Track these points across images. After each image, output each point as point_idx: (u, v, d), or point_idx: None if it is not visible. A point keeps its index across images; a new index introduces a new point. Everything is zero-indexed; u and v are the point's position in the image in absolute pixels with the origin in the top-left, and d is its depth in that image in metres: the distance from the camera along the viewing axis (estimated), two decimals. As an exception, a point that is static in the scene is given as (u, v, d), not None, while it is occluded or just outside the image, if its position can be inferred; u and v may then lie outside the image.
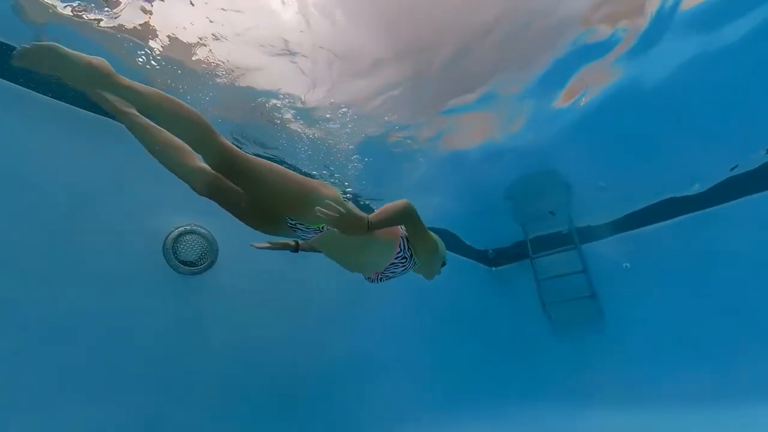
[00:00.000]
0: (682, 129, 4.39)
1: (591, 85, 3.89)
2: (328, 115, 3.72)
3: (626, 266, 5.56)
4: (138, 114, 1.61)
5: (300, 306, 3.71)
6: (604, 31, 3.39)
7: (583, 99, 4.03)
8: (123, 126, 1.53)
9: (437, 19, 3.10)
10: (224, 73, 3.15)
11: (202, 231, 3.12)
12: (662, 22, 3.33)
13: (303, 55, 3.16)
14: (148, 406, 2.62)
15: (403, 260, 1.97)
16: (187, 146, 1.70)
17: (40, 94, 2.70)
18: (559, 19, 3.23)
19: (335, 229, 1.62)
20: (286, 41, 3.04)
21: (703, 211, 5.13)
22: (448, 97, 3.83)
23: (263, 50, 3.07)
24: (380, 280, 2.13)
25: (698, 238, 5.04)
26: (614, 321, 5.44)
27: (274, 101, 3.51)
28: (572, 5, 3.13)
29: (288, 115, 3.67)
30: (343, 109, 3.67)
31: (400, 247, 1.94)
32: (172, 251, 2.95)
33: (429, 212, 4.19)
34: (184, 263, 3.00)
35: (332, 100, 3.60)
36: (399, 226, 1.96)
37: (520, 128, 4.29)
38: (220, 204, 1.80)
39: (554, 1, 3.08)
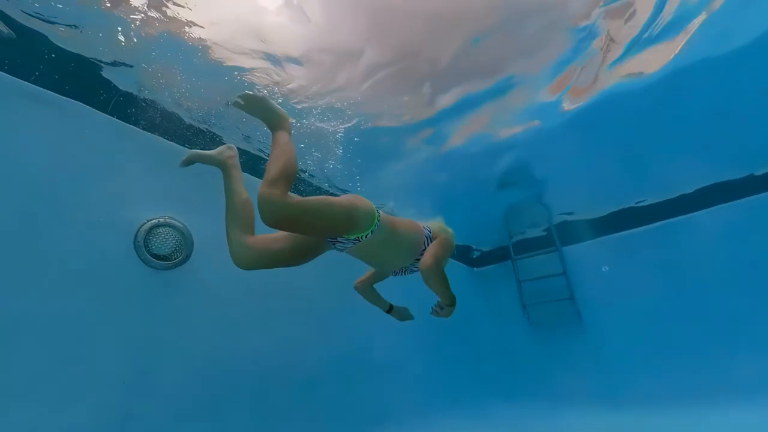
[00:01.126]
0: (664, 137, 4.47)
1: (577, 90, 3.92)
2: (310, 107, 3.64)
3: (605, 269, 5.63)
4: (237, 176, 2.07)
5: (282, 305, 3.61)
6: (596, 35, 3.41)
7: (568, 105, 4.05)
8: (91, 108, 1.49)
9: (426, 15, 3.05)
10: (202, 56, 3.04)
11: (177, 224, 3.00)
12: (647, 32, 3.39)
13: (285, 46, 3.08)
14: (116, 407, 2.50)
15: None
16: (249, 220, 1.96)
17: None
18: (551, 21, 3.23)
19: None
20: (270, 32, 2.95)
21: (679, 217, 5.26)
22: (436, 93, 3.79)
23: (246, 42, 2.98)
24: (404, 273, 2.41)
25: (674, 243, 5.15)
26: (592, 323, 5.50)
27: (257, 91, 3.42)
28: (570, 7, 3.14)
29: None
30: (325, 100, 3.59)
31: (424, 245, 2.19)
32: (143, 245, 2.83)
33: (412, 210, 4.15)
34: (157, 257, 2.88)
35: (316, 92, 3.52)
36: (423, 227, 2.26)
37: (508, 127, 4.29)
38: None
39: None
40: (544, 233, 6.07)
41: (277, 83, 3.36)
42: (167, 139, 3.31)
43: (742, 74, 3.79)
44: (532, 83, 3.81)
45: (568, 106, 4.06)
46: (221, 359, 3.07)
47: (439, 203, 5.48)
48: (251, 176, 3.84)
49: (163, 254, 2.91)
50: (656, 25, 3.31)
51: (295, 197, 1.65)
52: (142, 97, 3.14)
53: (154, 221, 2.90)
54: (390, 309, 2.89)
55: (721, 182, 5.01)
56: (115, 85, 3.02)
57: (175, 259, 2.96)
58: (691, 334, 4.68)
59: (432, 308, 2.31)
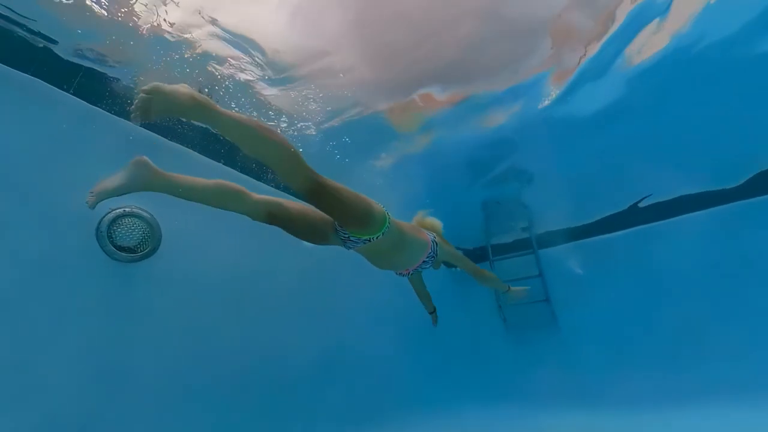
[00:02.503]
0: (643, 145, 4.56)
1: (558, 94, 3.93)
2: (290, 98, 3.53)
3: (580, 273, 5.72)
4: (178, 178, 1.84)
5: (253, 300, 3.46)
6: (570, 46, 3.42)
7: (550, 104, 4.06)
8: (51, 86, 1.36)
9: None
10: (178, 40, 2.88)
11: (143, 214, 2.83)
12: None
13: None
14: (76, 406, 2.33)
15: (432, 258, 2.43)
16: (236, 186, 1.91)
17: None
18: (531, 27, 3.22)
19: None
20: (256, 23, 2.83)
21: (652, 224, 5.39)
22: (420, 88, 3.72)
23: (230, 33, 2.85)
24: (410, 274, 2.59)
25: (647, 249, 5.27)
26: (566, 325, 5.58)
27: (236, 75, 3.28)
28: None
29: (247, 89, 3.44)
30: (306, 92, 3.48)
31: (430, 248, 2.40)
32: (107, 235, 2.65)
33: (392, 206, 4.07)
34: (121, 249, 2.71)
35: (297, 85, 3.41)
36: (428, 233, 2.46)
37: (494, 126, 4.27)
38: (280, 227, 1.99)
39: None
40: (524, 234, 6.12)
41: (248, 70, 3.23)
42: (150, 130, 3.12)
43: (714, 90, 3.89)
44: (520, 89, 3.81)
45: (549, 104, 4.06)
46: (190, 358, 2.92)
47: (417, 202, 5.44)
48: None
49: (128, 246, 2.74)
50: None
51: (326, 179, 1.76)
52: (108, 78, 2.95)
53: (118, 211, 2.73)
54: (434, 311, 3.43)
55: (694, 193, 5.16)
56: (78, 63, 2.82)
57: (141, 251, 2.80)
58: (661, 337, 4.81)
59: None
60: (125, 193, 1.81)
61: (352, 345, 4.21)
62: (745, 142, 4.50)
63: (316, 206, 1.85)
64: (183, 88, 1.50)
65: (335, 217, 1.96)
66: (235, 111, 1.62)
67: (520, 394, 5.21)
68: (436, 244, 2.45)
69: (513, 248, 6.12)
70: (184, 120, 1.40)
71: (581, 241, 5.85)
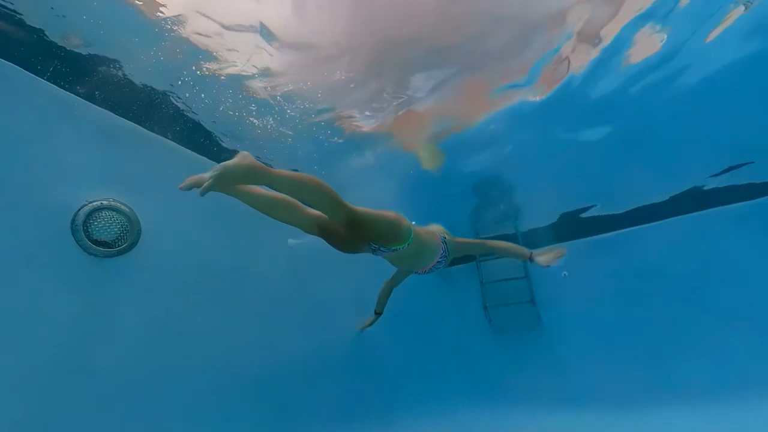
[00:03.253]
0: (628, 148, 4.60)
1: (543, 93, 3.92)
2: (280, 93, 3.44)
3: (564, 275, 5.76)
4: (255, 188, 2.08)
5: (236, 298, 3.38)
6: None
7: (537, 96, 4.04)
8: (26, 72, 1.28)
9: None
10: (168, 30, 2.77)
11: (122, 207, 2.73)
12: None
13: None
14: (47, 406, 2.22)
15: (445, 257, 2.77)
16: (292, 200, 2.17)
17: None
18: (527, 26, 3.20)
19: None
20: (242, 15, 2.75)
21: (635, 227, 5.46)
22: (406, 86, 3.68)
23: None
24: (426, 273, 2.86)
25: (630, 252, 5.34)
26: (551, 326, 5.61)
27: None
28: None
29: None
30: (283, 84, 3.40)
31: (442, 250, 2.74)
32: (83, 229, 2.54)
33: (373, 204, 4.03)
34: (98, 243, 2.60)
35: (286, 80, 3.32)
36: (439, 234, 2.78)
37: (479, 125, 4.26)
38: (325, 239, 2.28)
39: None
40: (511, 233, 6.13)
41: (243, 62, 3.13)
42: (117, 113, 3.00)
43: (696, 95, 3.95)
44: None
45: (537, 104, 4.05)
46: (166, 358, 2.82)
47: (404, 199, 5.40)
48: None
49: (105, 240, 2.63)
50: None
51: (358, 208, 2.13)
52: (89, 64, 2.83)
53: (96, 203, 2.62)
54: (377, 315, 3.67)
55: (676, 194, 5.24)
56: (54, 45, 2.68)
57: (118, 246, 2.69)
58: (643, 339, 4.88)
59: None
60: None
61: (339, 345, 4.15)
62: (723, 151, 4.62)
63: (354, 232, 2.20)
64: (245, 161, 1.76)
65: (369, 238, 2.34)
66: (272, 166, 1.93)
67: (506, 393, 5.22)
68: (446, 243, 2.78)
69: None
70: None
71: (566, 242, 5.89)
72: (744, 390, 3.80)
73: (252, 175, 1.77)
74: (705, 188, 5.10)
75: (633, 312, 5.06)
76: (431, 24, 3.09)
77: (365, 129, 4.07)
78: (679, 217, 5.21)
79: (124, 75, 2.98)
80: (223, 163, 1.71)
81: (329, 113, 3.78)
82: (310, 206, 2.20)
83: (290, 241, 3.73)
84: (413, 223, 2.57)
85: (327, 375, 3.91)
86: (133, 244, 2.77)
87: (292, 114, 3.68)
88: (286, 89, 3.43)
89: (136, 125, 3.10)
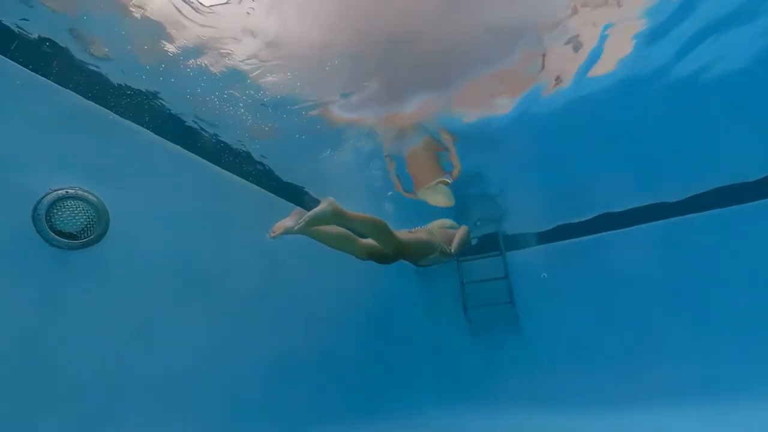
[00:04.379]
0: (609, 152, 4.66)
1: (523, 96, 3.92)
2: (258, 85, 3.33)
3: (544, 276, 5.81)
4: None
5: (210, 294, 3.25)
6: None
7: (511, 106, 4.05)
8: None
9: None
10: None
11: (89, 197, 2.59)
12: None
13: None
14: (5, 406, 2.08)
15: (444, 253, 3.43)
16: (350, 234, 2.84)
17: None
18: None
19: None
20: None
21: (613, 232, 5.55)
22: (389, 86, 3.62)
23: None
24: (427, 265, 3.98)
25: (607, 256, 5.43)
26: (529, 327, 5.66)
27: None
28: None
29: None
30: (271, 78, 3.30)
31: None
32: (45, 219, 2.40)
33: (353, 203, 3.99)
34: (62, 235, 2.45)
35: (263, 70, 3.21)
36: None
37: (463, 124, 4.23)
38: (373, 261, 3.00)
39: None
40: (492, 231, 6.15)
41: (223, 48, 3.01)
42: (88, 98, 2.84)
43: (671, 102, 4.03)
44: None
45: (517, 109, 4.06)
46: (133, 356, 2.70)
47: (383, 196, 5.34)
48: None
49: (69, 232, 2.49)
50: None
51: (402, 236, 2.95)
52: (58, 43, 2.66)
53: (60, 192, 2.48)
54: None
55: (648, 204, 5.37)
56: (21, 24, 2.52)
57: (84, 238, 2.55)
58: (618, 341, 4.99)
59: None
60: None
61: (314, 344, 4.06)
62: (692, 162, 4.75)
63: (399, 255, 2.96)
64: (331, 206, 2.34)
65: (410, 260, 3.28)
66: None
67: (482, 394, 5.26)
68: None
69: (480, 249, 6.15)
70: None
71: (547, 245, 5.95)
72: (715, 392, 3.94)
73: (335, 218, 2.33)
74: (677, 199, 5.24)
75: (608, 315, 5.15)
76: (423, 28, 3.05)
77: (345, 120, 3.98)
78: (655, 222, 5.32)
79: (99, 58, 2.83)
80: (313, 210, 2.29)
81: (311, 105, 3.68)
82: (364, 236, 2.88)
83: (269, 235, 3.62)
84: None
85: (301, 375, 3.82)
86: (100, 236, 2.63)
87: (271, 102, 3.56)
88: (266, 79, 3.32)
89: (109, 111, 2.95)
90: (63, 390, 2.32)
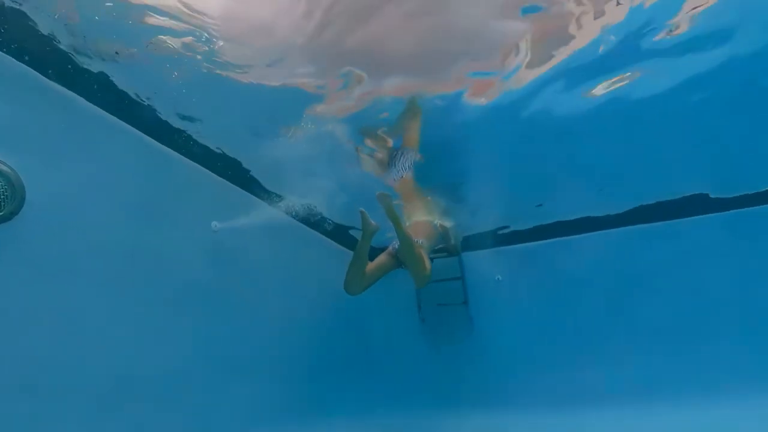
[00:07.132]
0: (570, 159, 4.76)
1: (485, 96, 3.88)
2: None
3: (498, 278, 5.89)
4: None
5: (142, 283, 2.97)
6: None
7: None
8: None
9: None
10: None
11: (2, 168, 2.27)
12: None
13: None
14: None
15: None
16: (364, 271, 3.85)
17: None
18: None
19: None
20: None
21: (568, 237, 5.72)
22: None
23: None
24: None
25: (561, 260, 5.59)
26: (482, 329, 5.73)
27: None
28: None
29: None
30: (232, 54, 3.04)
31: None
32: (-55, 189, 2.07)
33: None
34: (-35, 208, 2.14)
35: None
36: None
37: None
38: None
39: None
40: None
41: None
42: (10, 54, 2.49)
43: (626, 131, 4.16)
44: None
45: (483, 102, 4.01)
46: (54, 352, 2.41)
47: (336, 190, 5.14)
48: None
49: (-25, 205, 2.17)
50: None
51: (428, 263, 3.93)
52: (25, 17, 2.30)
53: (-35, 159, 2.15)
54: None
55: (602, 216, 5.56)
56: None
57: (-6, 213, 2.24)
58: (569, 343, 5.18)
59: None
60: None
61: (259, 341, 3.85)
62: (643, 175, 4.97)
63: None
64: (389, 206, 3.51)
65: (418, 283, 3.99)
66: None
67: (435, 394, 5.28)
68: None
69: (438, 249, 6.14)
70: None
71: (503, 247, 6.04)
72: (650, 394, 4.18)
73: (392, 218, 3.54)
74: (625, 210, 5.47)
75: (559, 317, 5.33)
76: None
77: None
78: (603, 231, 5.53)
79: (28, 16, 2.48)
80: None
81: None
82: (406, 258, 3.78)
83: (214, 224, 3.37)
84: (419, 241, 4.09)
85: (244, 373, 3.61)
86: (13, 213, 2.32)
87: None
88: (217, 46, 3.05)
89: (35, 72, 2.60)
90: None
